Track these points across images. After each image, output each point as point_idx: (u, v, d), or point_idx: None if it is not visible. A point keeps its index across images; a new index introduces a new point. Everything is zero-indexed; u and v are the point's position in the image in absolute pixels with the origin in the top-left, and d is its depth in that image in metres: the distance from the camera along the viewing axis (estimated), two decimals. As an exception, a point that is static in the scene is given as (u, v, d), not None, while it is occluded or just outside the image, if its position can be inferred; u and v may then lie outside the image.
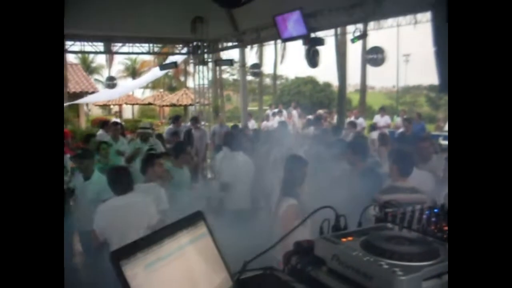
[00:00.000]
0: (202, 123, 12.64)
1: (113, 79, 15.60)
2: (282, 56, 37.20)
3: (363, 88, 28.00)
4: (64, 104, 19.10)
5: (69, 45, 12.72)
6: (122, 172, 4.32)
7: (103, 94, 23.57)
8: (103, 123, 11.92)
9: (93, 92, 24.00)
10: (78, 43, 12.64)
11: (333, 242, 1.38)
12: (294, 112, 19.42)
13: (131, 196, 4.19)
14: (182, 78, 42.07)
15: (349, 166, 5.31)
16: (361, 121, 14.87)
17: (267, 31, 11.18)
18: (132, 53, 14.52)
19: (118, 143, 8.83)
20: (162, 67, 14.06)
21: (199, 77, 13.36)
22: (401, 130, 11.94)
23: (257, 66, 14.43)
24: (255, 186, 6.49)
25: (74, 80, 24.60)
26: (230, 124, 14.01)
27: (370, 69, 23.56)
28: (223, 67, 30.05)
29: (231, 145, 6.78)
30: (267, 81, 42.26)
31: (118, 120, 20.39)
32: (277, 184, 4.92)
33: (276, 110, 19.44)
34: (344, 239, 1.40)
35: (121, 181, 4.19)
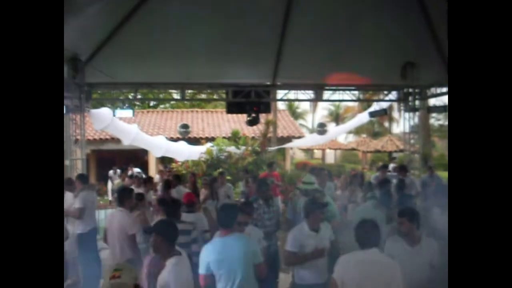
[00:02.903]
0: (411, 171, 12.16)
1: (324, 125, 15.99)
2: (497, 101, 34.42)
3: None
4: (274, 148, 20.26)
5: (284, 93, 13.45)
6: (372, 226, 4.07)
7: (309, 139, 24.37)
8: (312, 169, 12.12)
9: (299, 137, 24.94)
10: (292, 91, 13.23)
11: None
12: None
13: (376, 252, 3.93)
14: (386, 124, 41.56)
15: None
16: None
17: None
18: (342, 100, 14.58)
19: (325, 189, 8.89)
20: (372, 114, 13.77)
21: (408, 124, 12.95)
22: None
23: (474, 113, 13.36)
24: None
25: (282, 125, 25.98)
26: (440, 173, 13.15)
27: None
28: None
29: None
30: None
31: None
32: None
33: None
34: None
35: (370, 235, 3.97)
